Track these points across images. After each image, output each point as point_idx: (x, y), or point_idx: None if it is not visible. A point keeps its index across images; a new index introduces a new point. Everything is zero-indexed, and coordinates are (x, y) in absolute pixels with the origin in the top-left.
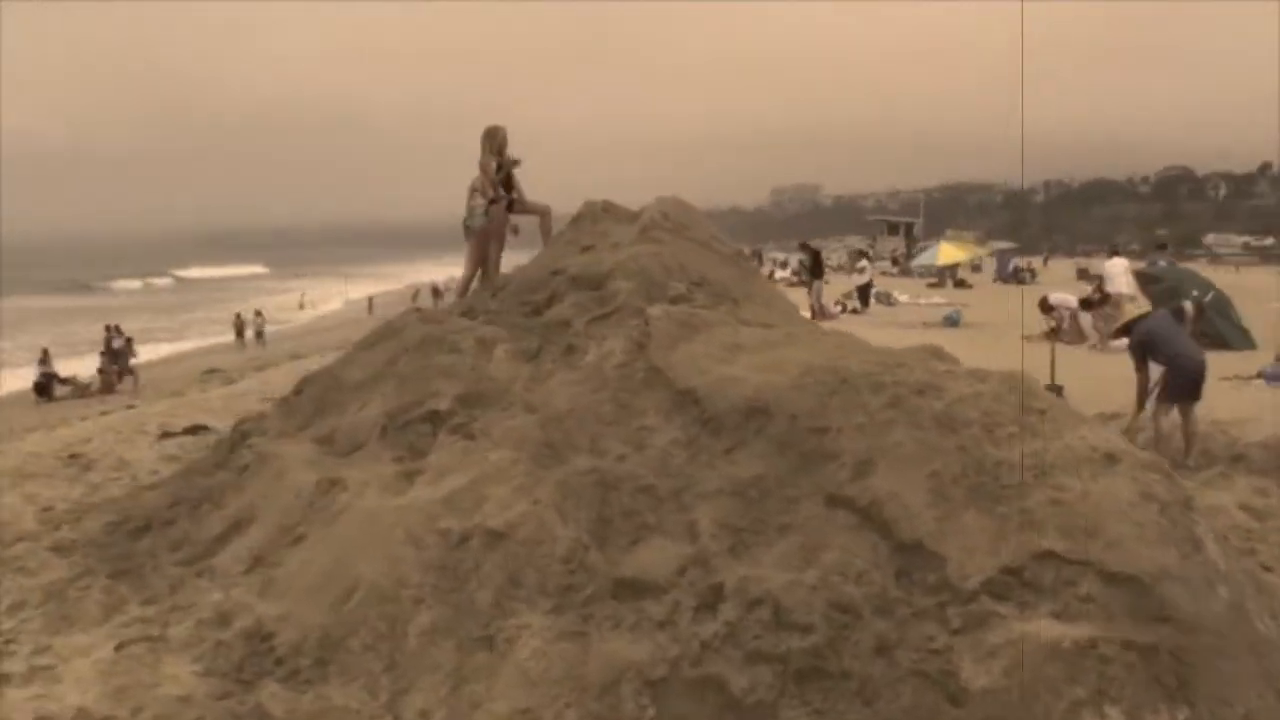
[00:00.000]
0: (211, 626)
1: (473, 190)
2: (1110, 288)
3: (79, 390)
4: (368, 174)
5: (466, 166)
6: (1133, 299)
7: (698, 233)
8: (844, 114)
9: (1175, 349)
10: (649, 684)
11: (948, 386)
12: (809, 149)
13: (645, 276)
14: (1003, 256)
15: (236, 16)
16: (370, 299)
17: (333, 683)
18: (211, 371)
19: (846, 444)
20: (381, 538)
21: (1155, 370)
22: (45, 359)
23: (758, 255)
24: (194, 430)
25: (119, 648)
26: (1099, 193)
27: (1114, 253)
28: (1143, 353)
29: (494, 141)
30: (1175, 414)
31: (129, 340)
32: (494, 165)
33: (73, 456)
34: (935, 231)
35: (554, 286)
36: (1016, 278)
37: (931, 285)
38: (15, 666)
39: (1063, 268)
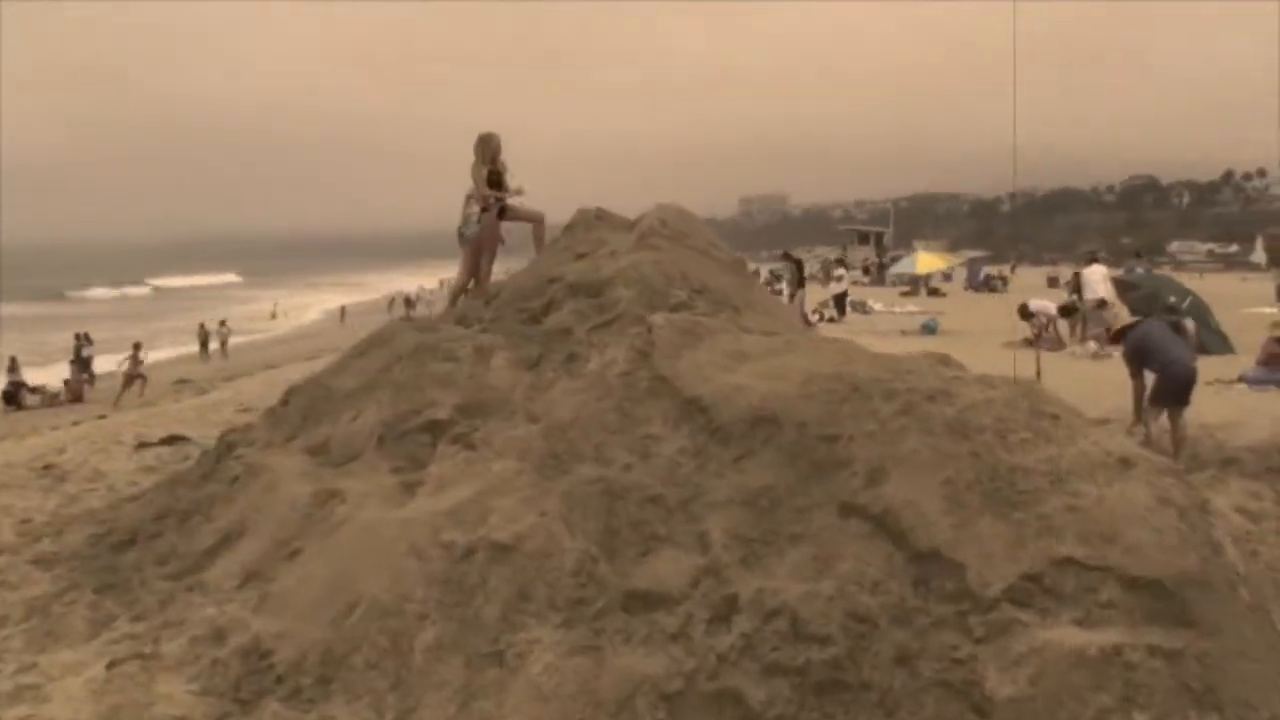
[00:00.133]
0: (206, 644)
1: (468, 199)
2: (1089, 295)
3: (48, 399)
4: (340, 183)
5: (437, 176)
6: (1113, 305)
7: (696, 240)
8: (809, 126)
9: (1169, 355)
10: (665, 698)
11: (959, 393)
12: (775, 160)
13: (645, 284)
14: (973, 265)
15: (204, 22)
16: (343, 309)
17: (336, 701)
18: (183, 381)
19: (858, 452)
20: (383, 551)
21: (1148, 376)
22: (14, 367)
23: None
24: (171, 441)
25: (111, 666)
26: (1064, 202)
27: (1092, 260)
28: (1137, 359)
29: (487, 148)
30: (1164, 419)
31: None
32: (485, 172)
33: (47, 467)
34: (903, 241)
35: (551, 294)
36: (988, 286)
37: (905, 294)
38: (0, 685)
39: (1031, 276)
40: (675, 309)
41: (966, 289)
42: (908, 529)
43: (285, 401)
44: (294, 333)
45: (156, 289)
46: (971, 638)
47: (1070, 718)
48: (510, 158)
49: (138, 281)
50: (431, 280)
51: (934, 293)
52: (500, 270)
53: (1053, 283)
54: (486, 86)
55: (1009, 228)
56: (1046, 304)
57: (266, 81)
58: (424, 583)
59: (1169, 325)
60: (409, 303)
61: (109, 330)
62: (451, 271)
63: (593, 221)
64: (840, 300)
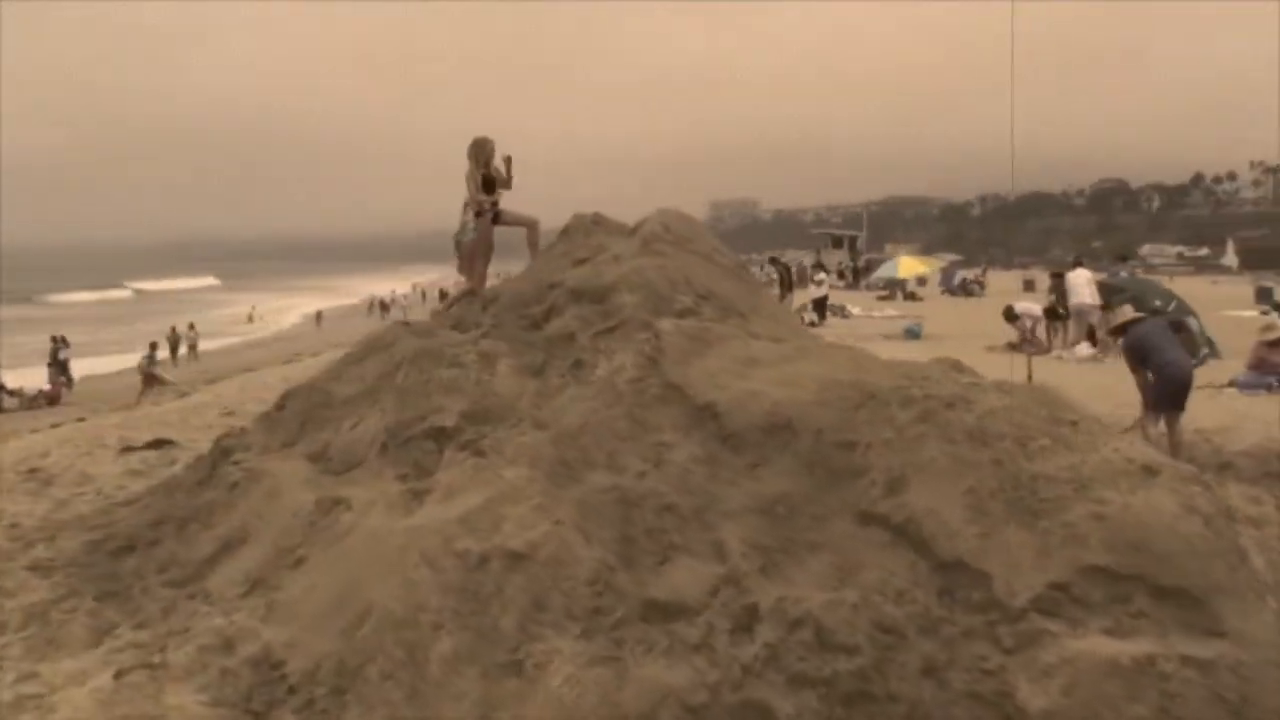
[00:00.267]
0: (215, 653)
1: (465, 206)
2: (1074, 299)
3: (26, 402)
4: (335, 185)
5: (433, 178)
6: (1098, 309)
7: (699, 245)
8: (779, 130)
9: (1166, 357)
10: (689, 710)
11: (977, 399)
12: (745, 164)
13: (650, 290)
14: (949, 269)
15: (179, 24)
16: (319, 313)
17: (351, 713)
18: (162, 384)
19: (876, 459)
20: (393, 560)
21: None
22: None
23: None
24: (157, 444)
25: (118, 675)
26: (1034, 206)
27: (1077, 264)
28: (1135, 357)
29: (481, 153)
30: (1161, 423)
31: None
32: (480, 177)
33: (32, 471)
34: (873, 245)
35: (553, 300)
36: (965, 290)
37: (882, 297)
38: (1, 695)
39: (1002, 280)
40: (681, 315)
41: (943, 293)
42: (930, 538)
43: (281, 406)
44: (271, 336)
45: (138, 292)
46: (1001, 648)
47: None
48: (507, 159)
49: (118, 284)
50: (405, 285)
51: (911, 297)
52: (491, 273)
53: (1028, 286)
54: (476, 88)
55: (979, 232)
56: (1032, 306)
57: (260, 82)
58: (438, 592)
59: (1169, 325)
60: (384, 306)
61: (88, 333)
62: (431, 276)
63: (590, 227)
64: (820, 304)
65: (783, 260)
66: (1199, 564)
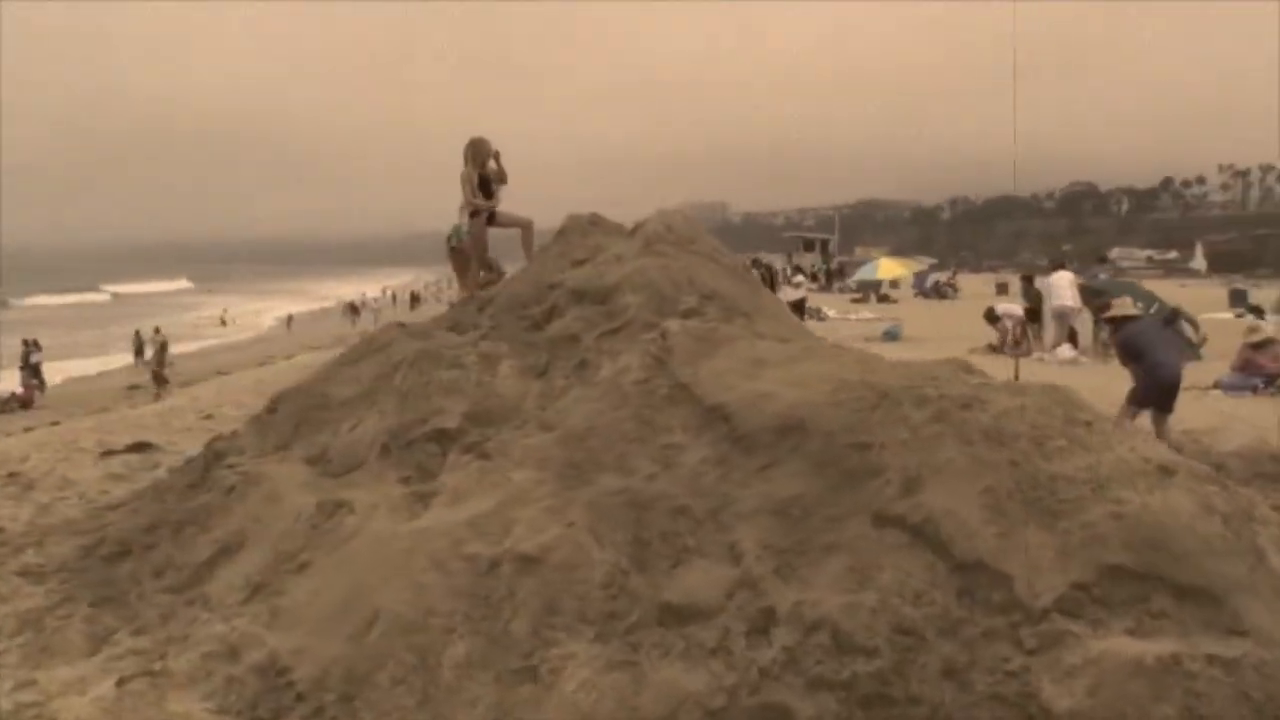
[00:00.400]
0: (219, 660)
1: (462, 209)
2: (1055, 300)
3: None
4: (289, 189)
5: (421, 181)
6: (1079, 311)
7: (702, 246)
8: (747, 133)
9: (1156, 357)
10: (708, 714)
11: (991, 400)
12: (713, 167)
13: (654, 290)
14: (923, 272)
15: (148, 24)
16: (289, 316)
17: None
18: (134, 387)
19: (891, 460)
20: (401, 564)
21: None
22: None
23: None
24: (138, 448)
25: (120, 683)
26: (1004, 209)
27: (1059, 266)
28: (1128, 355)
29: (478, 153)
30: (1141, 420)
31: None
32: (476, 178)
33: (11, 475)
34: (844, 248)
35: (553, 300)
36: (938, 292)
37: (855, 300)
38: None
39: (973, 283)
40: (686, 315)
41: (916, 295)
42: (949, 539)
43: (273, 409)
44: (244, 339)
45: (115, 295)
46: (1023, 649)
47: None
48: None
49: (93, 288)
50: (375, 288)
51: (884, 299)
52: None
53: (1002, 289)
54: (432, 95)
55: (949, 235)
56: (1013, 308)
57: (242, 83)
58: (448, 596)
59: (1164, 324)
60: (354, 309)
61: (58, 336)
62: (403, 279)
63: (587, 227)
64: (798, 307)
65: (764, 262)
66: (1218, 563)
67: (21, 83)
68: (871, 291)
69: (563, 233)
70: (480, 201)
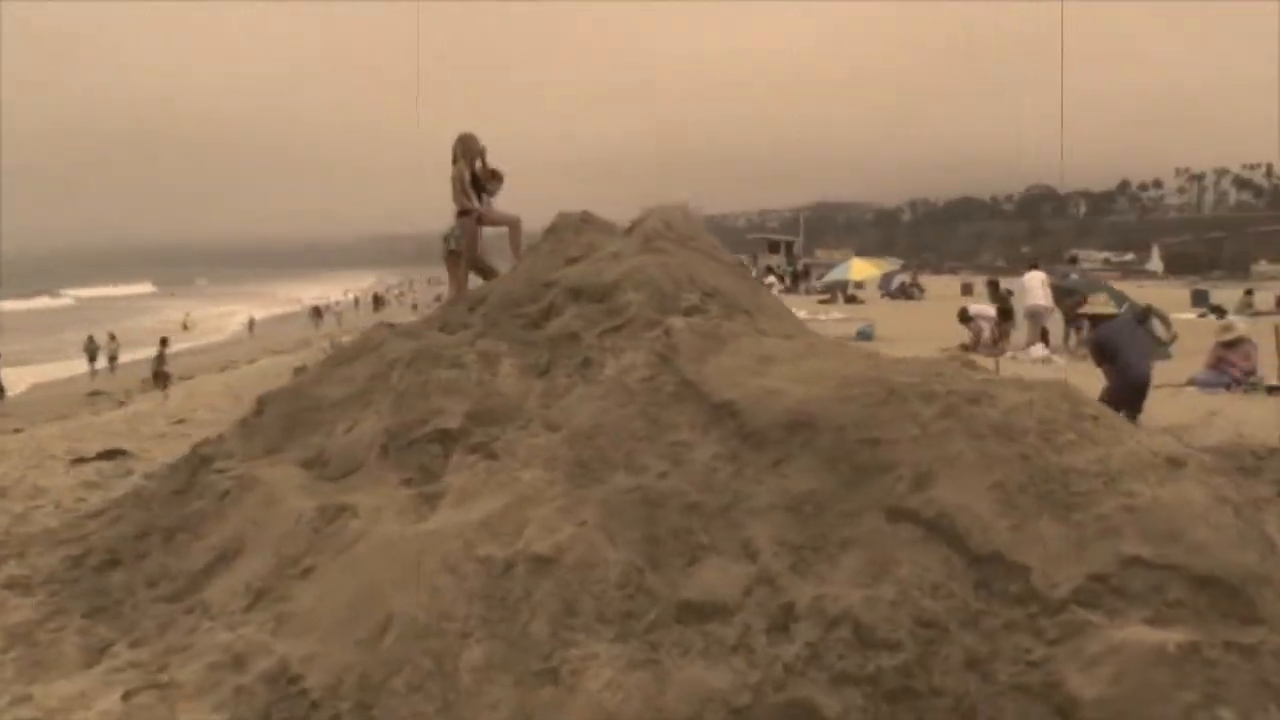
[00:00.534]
0: (226, 670)
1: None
2: (1028, 300)
3: None
4: (255, 192)
5: (392, 183)
6: (1051, 311)
7: (701, 243)
8: (707, 135)
9: (1127, 358)
10: (734, 712)
11: (998, 395)
12: (675, 169)
13: (654, 287)
14: (891, 273)
15: (105, 22)
16: (251, 320)
17: None
18: (96, 394)
19: (902, 455)
20: (411, 566)
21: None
22: None
23: None
24: (109, 455)
25: (126, 697)
26: (964, 211)
27: (1032, 266)
28: (1101, 355)
29: (469, 149)
30: None
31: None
32: (468, 176)
33: None
34: (806, 249)
35: (550, 299)
36: (904, 293)
37: (823, 301)
38: None
39: (936, 284)
40: (688, 313)
41: (882, 296)
42: (964, 532)
43: (259, 411)
44: (206, 344)
45: (77, 299)
46: (1044, 640)
47: (1159, 716)
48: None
49: (52, 291)
50: (337, 291)
51: (852, 300)
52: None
53: (966, 290)
54: (399, 97)
55: (910, 236)
56: (985, 308)
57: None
58: (463, 599)
59: (1137, 322)
60: (317, 313)
61: (23, 341)
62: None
63: (579, 225)
64: None
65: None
66: (1232, 553)
67: (21, 83)
68: (839, 292)
69: (553, 230)
70: (470, 203)
